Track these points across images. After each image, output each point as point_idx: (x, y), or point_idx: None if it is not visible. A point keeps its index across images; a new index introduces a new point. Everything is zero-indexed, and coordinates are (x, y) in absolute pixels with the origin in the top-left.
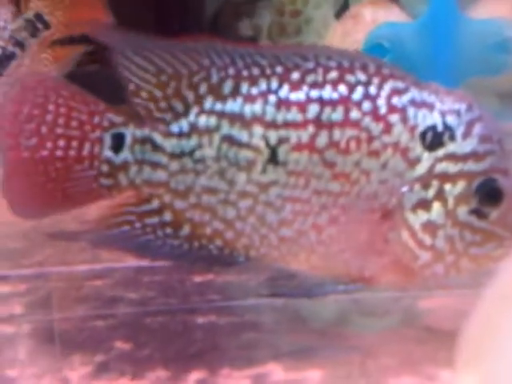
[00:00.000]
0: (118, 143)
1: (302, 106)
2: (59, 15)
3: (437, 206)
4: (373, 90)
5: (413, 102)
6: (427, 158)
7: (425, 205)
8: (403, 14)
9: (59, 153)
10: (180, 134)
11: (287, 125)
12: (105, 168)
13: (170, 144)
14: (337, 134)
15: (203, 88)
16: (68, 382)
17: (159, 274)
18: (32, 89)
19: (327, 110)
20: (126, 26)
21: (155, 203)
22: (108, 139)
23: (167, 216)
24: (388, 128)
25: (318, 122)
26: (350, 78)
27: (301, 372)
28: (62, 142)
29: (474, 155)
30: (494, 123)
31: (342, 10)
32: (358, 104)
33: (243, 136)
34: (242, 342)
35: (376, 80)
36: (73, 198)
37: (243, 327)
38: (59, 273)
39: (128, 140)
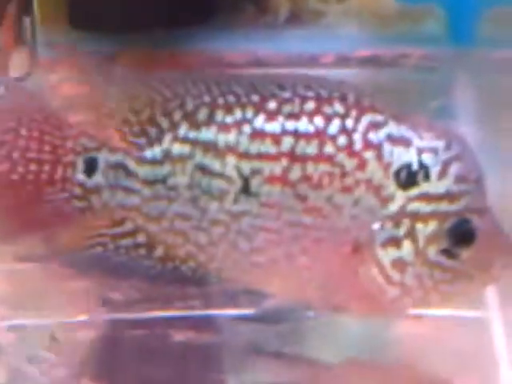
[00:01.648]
0: (90, 167)
1: (277, 139)
2: None
3: (407, 244)
4: (350, 123)
5: (389, 138)
6: (400, 197)
7: (395, 242)
8: None
9: (31, 176)
10: (153, 161)
11: (261, 156)
12: (77, 191)
13: (142, 170)
14: (310, 167)
15: (177, 115)
16: None
17: None
18: (5, 113)
19: (302, 143)
20: None
21: (128, 225)
22: (80, 163)
23: (140, 238)
24: (362, 164)
25: (291, 155)
26: (327, 109)
27: None
28: (33, 166)
29: (448, 196)
30: (473, 160)
31: None
32: (333, 138)
33: (216, 165)
34: None
35: (354, 112)
36: (46, 221)
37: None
38: None
39: (101, 165)
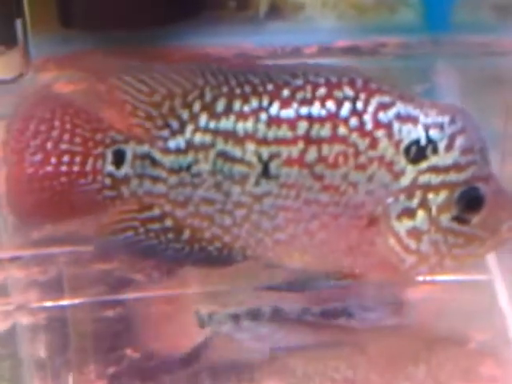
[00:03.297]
0: (119, 159)
1: (292, 123)
2: None
3: (421, 214)
4: (360, 105)
5: (398, 117)
6: (411, 171)
7: (409, 213)
8: None
9: (64, 168)
10: (177, 151)
11: (278, 141)
12: (107, 181)
13: (168, 160)
14: (325, 149)
15: (197, 106)
16: None
17: None
18: (39, 105)
19: (316, 126)
20: None
21: (157, 211)
22: (110, 155)
23: (168, 222)
24: (374, 143)
25: (307, 138)
26: (337, 93)
27: None
28: (66, 158)
29: (455, 167)
30: (477, 132)
31: None
32: (346, 120)
33: (237, 152)
34: None
35: (363, 95)
36: (79, 209)
37: None
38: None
39: (128, 156)
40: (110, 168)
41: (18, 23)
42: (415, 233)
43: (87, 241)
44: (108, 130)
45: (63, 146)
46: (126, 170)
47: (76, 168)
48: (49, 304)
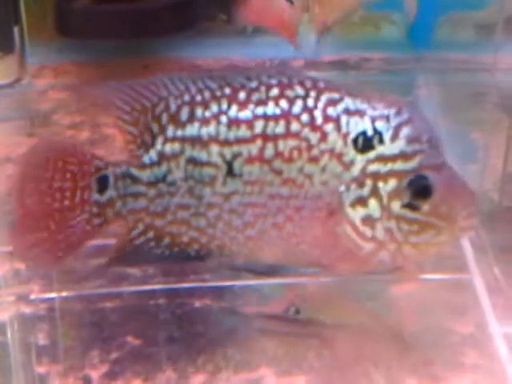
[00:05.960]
0: (103, 185)
1: (250, 123)
2: None
3: (372, 202)
4: (310, 102)
5: (346, 111)
6: (360, 161)
7: (362, 201)
8: None
9: (56, 205)
10: (151, 164)
11: (238, 141)
12: (95, 209)
13: (145, 174)
14: (281, 145)
15: (164, 118)
16: None
17: None
18: (35, 152)
19: (271, 124)
20: None
21: (140, 226)
22: (95, 184)
23: (150, 234)
24: (324, 136)
25: (264, 136)
26: (289, 93)
27: None
28: (58, 195)
29: (402, 156)
30: (425, 124)
31: None
32: (297, 117)
33: (203, 156)
34: None
35: (313, 93)
36: (73, 243)
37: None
38: None
39: (111, 180)
40: (95, 196)
41: (16, 30)
42: (369, 220)
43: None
44: (92, 160)
45: (56, 185)
46: (109, 193)
47: (67, 203)
48: (49, 295)
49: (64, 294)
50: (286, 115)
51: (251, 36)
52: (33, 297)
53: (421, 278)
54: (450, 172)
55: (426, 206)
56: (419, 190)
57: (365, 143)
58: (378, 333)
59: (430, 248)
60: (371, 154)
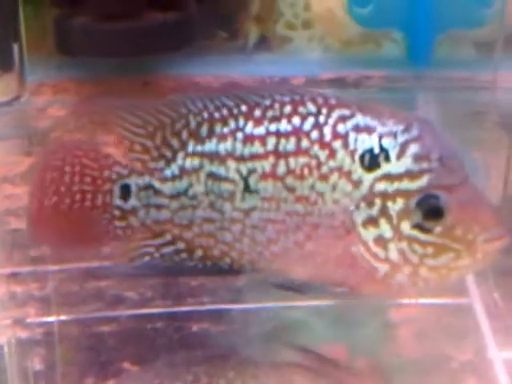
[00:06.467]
0: (125, 192)
1: (263, 140)
2: None
3: (383, 222)
4: (322, 119)
5: (355, 128)
6: (367, 179)
7: (373, 221)
8: None
9: (76, 205)
10: (173, 178)
11: (253, 157)
12: (117, 213)
13: (167, 187)
14: (292, 162)
15: (185, 134)
16: None
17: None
18: (52, 154)
19: (282, 141)
20: None
21: (168, 236)
22: (117, 190)
23: (180, 245)
24: (332, 153)
25: (276, 153)
26: (302, 110)
27: None
28: (78, 197)
29: (408, 174)
30: (436, 140)
31: None
32: (308, 133)
33: (222, 171)
34: None
35: (324, 110)
36: (96, 239)
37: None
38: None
39: (133, 189)
40: (118, 202)
41: (15, 48)
42: (381, 241)
43: (105, 270)
44: (113, 166)
45: (75, 188)
46: (132, 202)
47: (88, 203)
48: (45, 319)
49: (61, 317)
50: (297, 132)
51: (251, 53)
52: (29, 320)
53: (420, 303)
54: (467, 192)
55: (438, 228)
56: (429, 210)
57: (371, 161)
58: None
59: (452, 272)
60: (378, 172)
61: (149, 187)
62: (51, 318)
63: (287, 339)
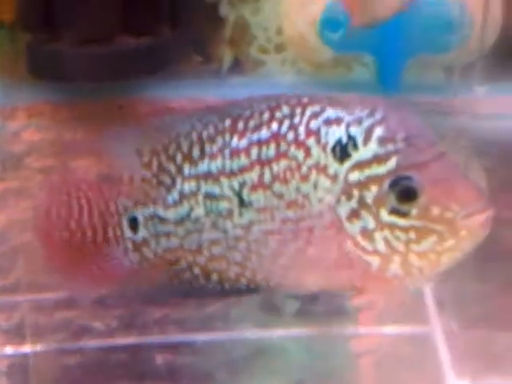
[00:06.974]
0: (134, 223)
1: (247, 151)
2: None
3: (364, 213)
4: (296, 119)
5: (326, 121)
6: (341, 171)
7: (355, 214)
8: None
9: (89, 239)
10: (175, 203)
11: (241, 170)
12: (129, 245)
13: (171, 214)
14: (275, 167)
15: (179, 158)
16: None
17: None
18: (57, 189)
19: (264, 148)
20: None
21: (183, 263)
22: (125, 222)
23: (196, 270)
24: (308, 151)
25: (260, 162)
26: (278, 114)
27: None
28: (89, 232)
29: (376, 159)
30: (402, 122)
31: None
32: (284, 136)
33: (217, 190)
34: None
35: (298, 110)
36: (111, 273)
37: None
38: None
39: (140, 220)
40: (128, 234)
41: None
42: (366, 232)
43: (49, 289)
44: (118, 197)
45: (85, 222)
46: (142, 233)
47: (99, 237)
48: (11, 351)
49: (25, 349)
50: (276, 137)
51: (225, 77)
52: None
53: (382, 332)
54: (441, 169)
55: (414, 210)
56: (401, 191)
57: (342, 151)
58: None
59: (442, 257)
60: (349, 163)
61: (154, 216)
62: (15, 350)
63: (252, 369)
